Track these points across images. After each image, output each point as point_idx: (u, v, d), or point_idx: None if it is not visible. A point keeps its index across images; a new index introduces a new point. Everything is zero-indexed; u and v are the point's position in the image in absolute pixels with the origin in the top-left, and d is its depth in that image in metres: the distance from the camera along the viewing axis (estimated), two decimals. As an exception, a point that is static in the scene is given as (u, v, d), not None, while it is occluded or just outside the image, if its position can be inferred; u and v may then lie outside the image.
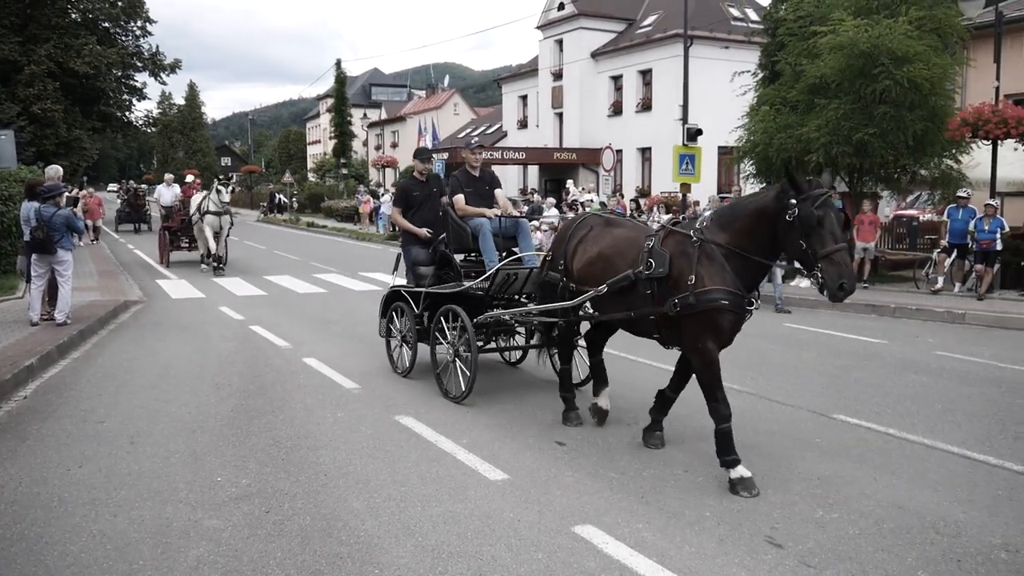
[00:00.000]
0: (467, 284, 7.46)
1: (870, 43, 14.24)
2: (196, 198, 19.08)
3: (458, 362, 7.27)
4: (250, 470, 5.52)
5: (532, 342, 8.29)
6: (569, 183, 28.49)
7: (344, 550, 4.30)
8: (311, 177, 65.78)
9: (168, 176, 23.66)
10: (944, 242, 15.09)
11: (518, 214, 8.43)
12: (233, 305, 13.36)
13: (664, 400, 6.13)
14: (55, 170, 12.80)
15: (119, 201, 37.87)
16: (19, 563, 4.15)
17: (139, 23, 40.19)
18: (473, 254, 8.01)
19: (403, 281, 8.57)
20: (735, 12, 33.56)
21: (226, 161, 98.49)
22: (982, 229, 13.77)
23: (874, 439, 6.25)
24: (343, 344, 10.21)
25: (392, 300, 8.48)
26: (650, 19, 35.42)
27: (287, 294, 14.96)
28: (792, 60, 16.43)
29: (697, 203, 20.41)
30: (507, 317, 7.34)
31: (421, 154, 8.84)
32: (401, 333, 8.32)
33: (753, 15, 32.78)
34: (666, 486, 5.22)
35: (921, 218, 20.80)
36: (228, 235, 18.70)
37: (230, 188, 18.85)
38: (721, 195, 21.27)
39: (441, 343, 7.60)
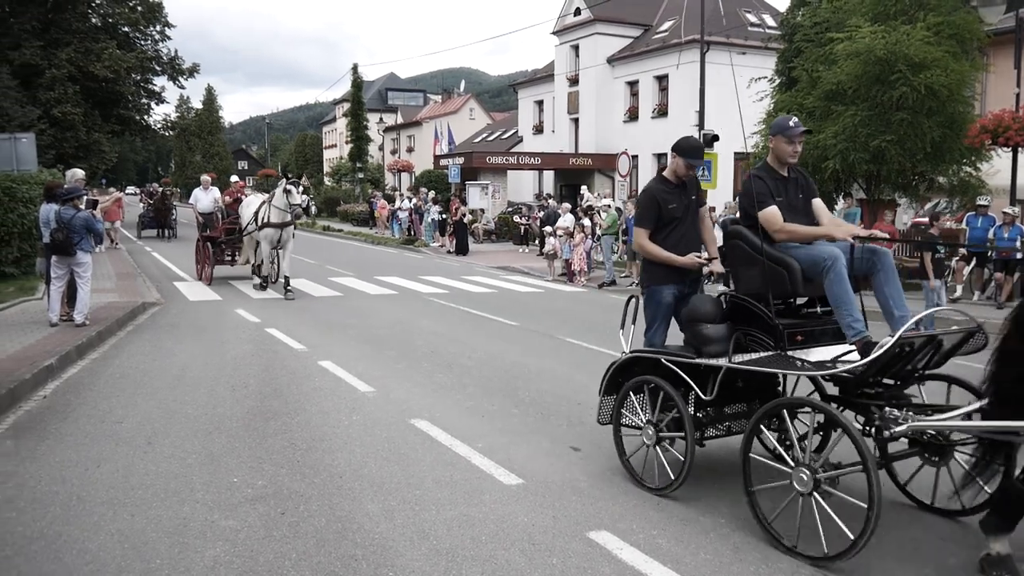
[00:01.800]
0: (832, 363, 4.47)
1: (887, 49, 14.20)
2: (250, 202, 16.12)
3: (818, 499, 4.27)
4: (266, 471, 5.56)
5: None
6: (584, 189, 28.48)
7: (359, 552, 4.31)
8: (327, 181, 66.10)
9: (205, 178, 20.12)
10: (963, 250, 15.00)
11: (885, 235, 5.32)
12: (249, 308, 13.44)
13: None
14: (72, 173, 12.93)
15: (142, 205, 35.15)
16: (39, 560, 4.20)
17: (158, 28, 40.53)
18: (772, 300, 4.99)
19: (634, 339, 5.81)
20: (751, 18, 33.50)
21: (243, 165, 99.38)
22: (1001, 237, 13.68)
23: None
24: (358, 347, 10.24)
25: (630, 371, 5.53)
26: (666, 25, 35.40)
27: (303, 297, 15.01)
28: (809, 66, 16.41)
29: (713, 209, 20.33)
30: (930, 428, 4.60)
31: (689, 150, 5.64)
32: (656, 428, 5.24)
33: (770, 21, 32.73)
34: (681, 493, 5.20)
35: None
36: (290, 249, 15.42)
37: (301, 188, 15.06)
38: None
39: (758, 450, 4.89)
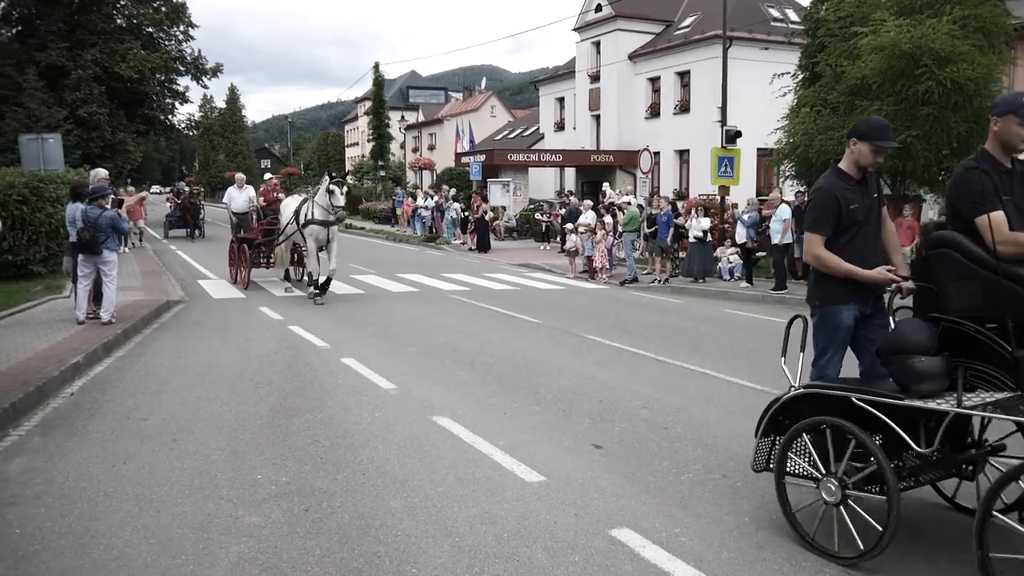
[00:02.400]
0: None
1: (912, 43, 14.03)
2: (290, 203, 15.43)
3: None
4: (289, 468, 5.59)
5: None
6: (606, 185, 28.41)
7: (382, 549, 4.33)
8: (349, 179, 66.44)
9: (239, 176, 19.30)
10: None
11: None
12: (273, 305, 13.53)
13: None
14: (95, 173, 13.07)
15: (168, 204, 33.64)
16: (67, 555, 4.25)
17: (182, 28, 40.88)
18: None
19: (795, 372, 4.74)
20: (774, 13, 33.25)
21: (266, 163, 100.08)
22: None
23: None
24: (380, 345, 10.28)
25: (796, 410, 4.56)
26: (688, 20, 35.21)
27: (325, 295, 15.09)
28: (833, 61, 16.24)
29: (735, 206, 20.26)
30: None
31: (875, 131, 4.59)
32: (841, 482, 4.21)
33: (793, 16, 32.46)
34: (704, 491, 5.18)
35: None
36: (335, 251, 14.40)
37: (345, 188, 14.32)
38: (760, 198, 21.09)
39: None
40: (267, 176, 18.94)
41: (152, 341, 10.58)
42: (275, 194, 17.46)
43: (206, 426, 6.62)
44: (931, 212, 21.58)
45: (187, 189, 32.32)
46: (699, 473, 5.51)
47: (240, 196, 18.13)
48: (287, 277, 15.82)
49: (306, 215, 14.08)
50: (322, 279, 13.96)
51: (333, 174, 14.23)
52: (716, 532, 4.56)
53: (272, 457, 5.83)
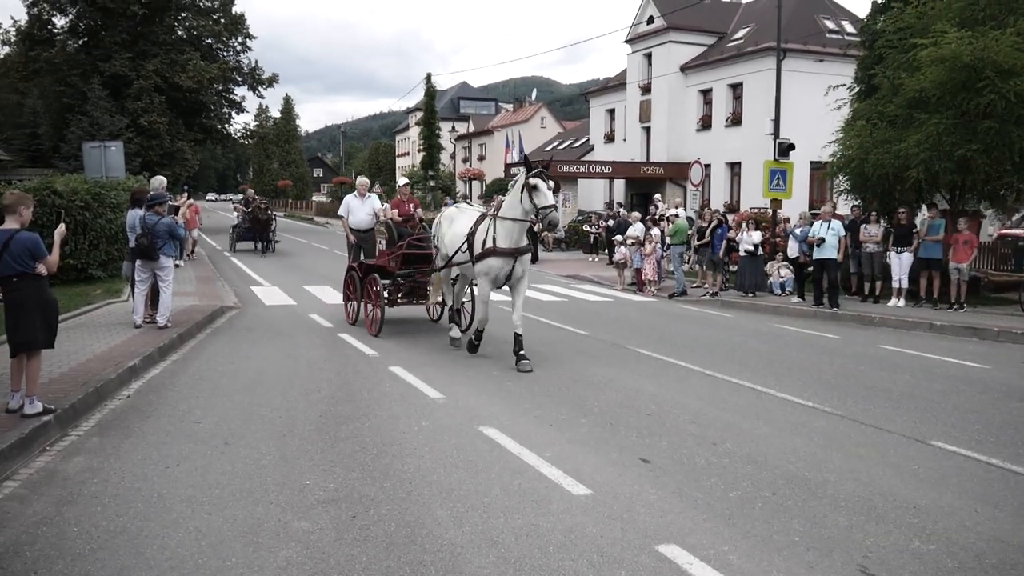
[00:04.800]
0: None
1: (974, 55, 13.72)
2: (456, 217, 10.88)
3: None
4: (337, 475, 5.64)
5: None
6: (656, 197, 28.24)
7: (428, 558, 4.34)
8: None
9: (362, 180, 14.00)
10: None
11: None
12: (323, 313, 13.70)
13: None
14: (160, 181, 13.43)
15: (236, 215, 29.50)
16: (121, 554, 4.34)
17: (240, 39, 41.85)
18: None
19: None
20: (830, 24, 32.77)
21: (318, 172, 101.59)
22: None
23: (974, 468, 5.98)
24: (427, 354, 10.34)
25: None
26: (742, 32, 34.90)
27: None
28: (891, 73, 15.96)
29: (787, 220, 19.96)
30: None
31: None
32: None
33: (849, 27, 31.97)
34: (753, 509, 5.10)
35: (1028, 238, 19.83)
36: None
37: (552, 183, 9.49)
38: (812, 211, 20.75)
39: None
40: (401, 182, 13.99)
41: (206, 346, 10.79)
42: (413, 207, 12.62)
43: (257, 431, 6.72)
44: (991, 228, 21.03)
45: (256, 197, 28.80)
46: (748, 490, 5.43)
47: (362, 208, 13.17)
48: (455, 321, 11.16)
49: (484, 240, 9.83)
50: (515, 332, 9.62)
51: (533, 164, 9.66)
52: (765, 551, 4.49)
53: (321, 463, 5.89)
